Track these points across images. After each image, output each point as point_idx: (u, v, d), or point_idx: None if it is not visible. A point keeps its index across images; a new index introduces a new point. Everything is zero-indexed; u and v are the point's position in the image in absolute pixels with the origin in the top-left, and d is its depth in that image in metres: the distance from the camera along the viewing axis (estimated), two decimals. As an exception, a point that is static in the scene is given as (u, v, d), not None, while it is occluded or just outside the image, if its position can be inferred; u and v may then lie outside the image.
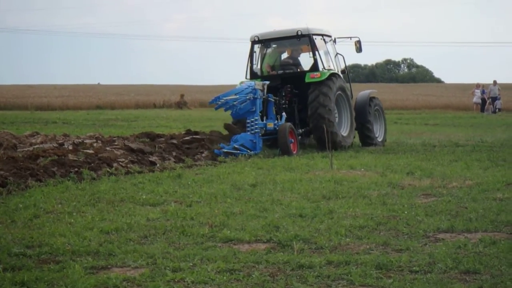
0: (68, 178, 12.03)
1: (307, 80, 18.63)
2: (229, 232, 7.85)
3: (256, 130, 17.16)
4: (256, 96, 17.42)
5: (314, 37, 19.15)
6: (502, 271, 6.20)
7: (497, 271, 6.21)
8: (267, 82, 18.29)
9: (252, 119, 17.26)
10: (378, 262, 6.47)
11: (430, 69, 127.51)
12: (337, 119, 18.84)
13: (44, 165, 12.46)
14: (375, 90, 21.96)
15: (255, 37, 19.47)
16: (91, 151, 14.25)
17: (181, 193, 10.75)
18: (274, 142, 17.67)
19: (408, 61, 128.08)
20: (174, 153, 15.55)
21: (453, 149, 18.40)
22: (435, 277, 6.09)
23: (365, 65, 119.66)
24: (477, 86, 47.50)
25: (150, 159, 14.60)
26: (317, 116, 18.21)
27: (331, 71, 19.06)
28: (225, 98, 17.34)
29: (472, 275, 6.15)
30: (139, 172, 13.33)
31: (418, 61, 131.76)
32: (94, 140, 16.49)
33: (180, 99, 51.72)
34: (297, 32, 19.11)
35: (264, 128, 17.51)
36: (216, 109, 18.27)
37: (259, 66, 19.62)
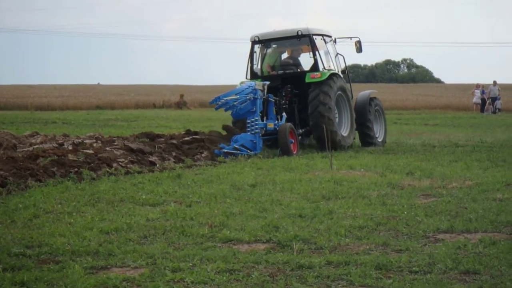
0: (68, 178, 12.03)
1: (307, 80, 18.63)
2: (228, 232, 7.85)
3: (257, 130, 17.16)
4: (256, 96, 17.43)
5: (314, 37, 19.16)
6: (502, 272, 6.20)
7: (497, 272, 6.20)
8: (267, 82, 18.30)
9: (252, 119, 17.27)
10: (377, 262, 6.47)
11: (430, 69, 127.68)
12: (337, 119, 18.84)
13: (44, 165, 12.46)
14: (375, 91, 21.96)
15: (255, 37, 19.48)
16: (91, 151, 14.25)
17: (180, 193, 10.76)
18: (274, 142, 17.68)
19: (408, 61, 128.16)
20: (173, 153, 15.55)
21: (453, 149, 18.40)
22: (435, 277, 6.09)
23: (365, 65, 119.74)
24: (477, 86, 47.53)
25: (149, 159, 14.60)
26: (317, 114, 18.22)
27: (332, 71, 19.06)
28: (225, 98, 17.35)
29: (472, 276, 6.15)
30: (139, 172, 13.34)
31: (418, 61, 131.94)
32: (94, 140, 16.49)
33: (180, 99, 51.75)
34: (297, 32, 19.11)
35: (264, 128, 17.52)
36: (217, 109, 18.28)
37: (259, 66, 19.62)
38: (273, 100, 18.32)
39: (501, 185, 11.16)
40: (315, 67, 18.88)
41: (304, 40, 19.19)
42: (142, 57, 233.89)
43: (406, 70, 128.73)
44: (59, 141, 16.16)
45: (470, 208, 9.17)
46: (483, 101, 46.19)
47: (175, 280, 6.09)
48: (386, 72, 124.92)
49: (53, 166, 12.46)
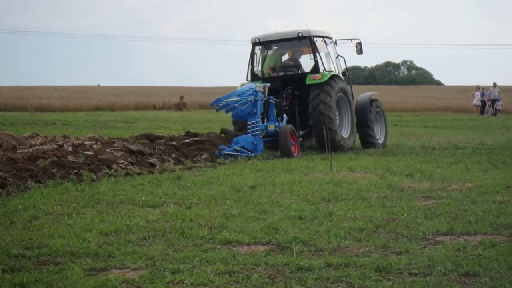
0: (68, 179, 12.03)
1: (308, 82, 18.65)
2: (228, 234, 7.85)
3: (257, 132, 17.18)
4: (257, 98, 17.45)
5: (315, 39, 19.17)
6: (501, 274, 6.20)
7: (496, 274, 6.20)
8: (268, 84, 18.31)
9: (253, 121, 17.28)
10: (377, 264, 6.47)
11: (429, 71, 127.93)
12: (337, 120, 18.85)
13: (43, 166, 12.45)
14: (376, 92, 21.99)
15: (256, 39, 19.49)
16: (90, 153, 14.25)
17: (180, 195, 10.75)
18: (275, 144, 17.69)
19: (408, 63, 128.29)
20: (173, 155, 15.55)
21: (452, 151, 18.40)
22: (435, 279, 6.08)
23: (365, 67, 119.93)
24: (477, 88, 47.54)
25: (149, 160, 14.60)
26: (318, 113, 18.24)
27: (332, 73, 19.07)
28: (226, 100, 17.36)
29: (472, 278, 6.14)
30: (139, 174, 13.34)
31: (418, 63, 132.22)
32: (94, 142, 16.49)
33: (180, 100, 51.78)
34: (298, 34, 19.12)
35: (265, 130, 17.54)
36: (217, 110, 18.29)
37: (260, 68, 19.63)
38: (274, 102, 18.33)
39: (501, 187, 11.15)
40: (315, 69, 18.89)
41: (304, 41, 19.20)
42: (142, 58, 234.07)
43: (406, 72, 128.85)
44: (59, 143, 16.16)
45: (470, 210, 9.17)
46: (483, 103, 46.20)
47: (175, 282, 6.09)
48: (386, 74, 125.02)
49: (53, 168, 12.46)
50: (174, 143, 16.75)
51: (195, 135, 18.12)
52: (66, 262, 6.68)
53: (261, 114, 17.63)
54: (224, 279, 6.14)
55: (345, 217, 8.84)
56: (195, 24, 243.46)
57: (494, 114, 44.87)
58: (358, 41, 20.09)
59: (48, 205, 9.68)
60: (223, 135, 18.23)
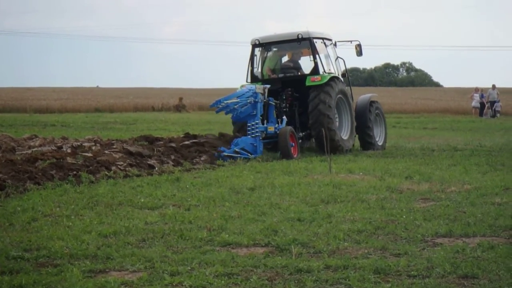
0: (67, 181, 12.03)
1: (307, 83, 18.66)
2: (227, 236, 7.84)
3: (257, 134, 17.19)
4: (257, 100, 17.46)
5: (314, 40, 19.18)
6: (500, 276, 6.20)
7: (495, 276, 6.20)
8: (268, 86, 18.31)
9: (253, 123, 17.29)
10: (376, 266, 6.47)
11: (429, 73, 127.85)
12: (337, 122, 18.85)
13: (42, 168, 12.45)
14: (376, 94, 22.00)
15: (256, 41, 19.49)
16: (89, 154, 14.24)
17: (179, 197, 10.75)
18: (274, 146, 17.71)
19: (407, 65, 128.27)
20: (172, 157, 15.55)
21: (451, 153, 18.40)
22: (433, 281, 6.08)
23: (364, 69, 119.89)
24: (476, 90, 47.55)
25: (148, 162, 14.60)
26: (317, 112, 18.26)
27: (332, 75, 19.09)
28: (226, 102, 17.36)
29: (470, 280, 6.14)
30: (138, 176, 13.33)
31: (417, 65, 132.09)
32: (93, 143, 16.48)
33: (179, 102, 51.78)
34: (297, 35, 19.13)
35: (264, 132, 17.55)
36: (217, 112, 18.29)
37: (259, 70, 19.64)
38: (274, 104, 18.34)
39: (500, 189, 11.15)
40: (315, 71, 18.90)
41: (304, 43, 19.21)
42: (141, 60, 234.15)
43: (405, 74, 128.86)
44: (58, 144, 16.15)
45: (468, 212, 9.17)
46: (482, 105, 46.22)
47: (174, 284, 6.09)
48: (385, 76, 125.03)
49: (52, 169, 12.46)
50: (173, 144, 16.75)
51: (194, 136, 18.12)
52: (64, 264, 6.68)
53: (261, 116, 17.64)
54: (223, 281, 6.14)
55: (344, 219, 8.84)
56: (195, 25, 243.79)
57: (493, 116, 44.90)
58: (357, 42, 20.11)
59: (47, 207, 9.68)
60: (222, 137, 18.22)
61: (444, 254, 6.95)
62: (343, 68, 20.30)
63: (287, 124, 18.21)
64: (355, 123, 19.71)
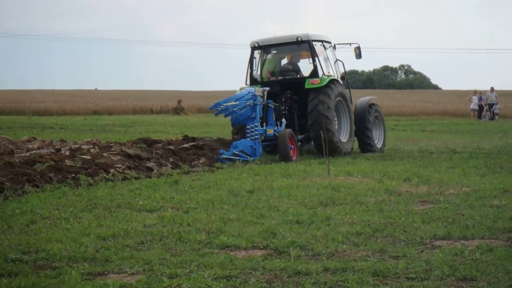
0: (65, 183, 12.02)
1: (306, 86, 18.67)
2: (226, 238, 7.84)
3: (256, 136, 17.21)
4: (256, 102, 17.47)
5: (313, 43, 19.20)
6: (499, 278, 6.20)
7: (494, 278, 6.20)
8: (267, 88, 18.33)
9: (252, 125, 17.31)
10: (375, 269, 6.47)
11: (427, 75, 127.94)
12: (336, 124, 18.86)
13: (41, 170, 12.45)
14: (375, 97, 22.02)
15: (255, 43, 19.51)
16: (88, 157, 14.24)
17: (178, 199, 10.75)
18: (273, 148, 17.72)
19: (406, 67, 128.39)
20: (171, 159, 15.55)
21: (450, 155, 18.41)
22: (432, 284, 6.08)
23: (363, 71, 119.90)
24: (474, 92, 47.60)
25: (147, 165, 14.59)
26: (316, 113, 18.27)
27: (331, 77, 19.10)
28: (225, 104, 17.38)
29: (469, 282, 6.14)
30: (136, 178, 13.33)
31: (416, 68, 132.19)
32: (91, 146, 16.48)
33: (178, 104, 51.79)
34: (297, 38, 19.15)
35: (264, 134, 17.56)
36: (216, 115, 18.31)
37: (259, 72, 19.66)
38: (273, 106, 18.36)
39: (498, 191, 11.16)
40: (314, 73, 18.91)
41: (303, 46, 19.23)
42: (140, 62, 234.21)
43: (403, 76, 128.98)
44: (56, 147, 16.15)
45: (467, 214, 9.17)
46: (481, 107, 46.26)
47: (172, 287, 6.08)
48: (384, 78, 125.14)
49: (50, 172, 12.45)
50: (171, 147, 16.76)
51: (193, 139, 18.14)
52: (63, 267, 6.67)
53: (260, 118, 17.65)
54: (221, 284, 6.14)
55: (343, 221, 8.84)
56: (194, 27, 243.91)
57: (492, 118, 44.94)
58: (357, 45, 20.12)
59: (45, 210, 9.67)
60: (222, 136, 18.26)
61: (443, 256, 6.95)
62: (342, 71, 20.32)
63: (286, 126, 18.22)
64: (354, 127, 19.71)
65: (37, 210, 9.61)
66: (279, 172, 14.32)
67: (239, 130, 18.17)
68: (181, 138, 18.61)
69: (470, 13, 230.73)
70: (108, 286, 6.06)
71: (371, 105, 20.47)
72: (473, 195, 10.78)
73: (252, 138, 17.20)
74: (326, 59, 19.74)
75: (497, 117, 45.23)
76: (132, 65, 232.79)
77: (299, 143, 18.66)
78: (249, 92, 17.59)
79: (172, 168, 14.77)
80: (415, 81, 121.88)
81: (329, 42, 20.14)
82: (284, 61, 20.20)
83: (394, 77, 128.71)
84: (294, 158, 17.18)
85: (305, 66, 19.55)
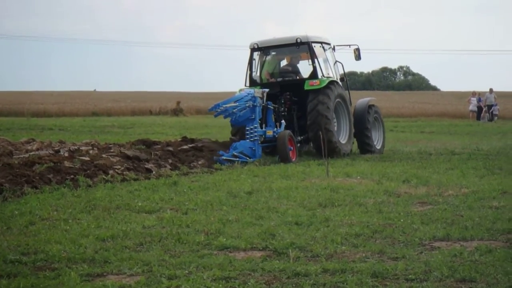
0: (64, 185, 12.02)
1: (306, 87, 18.68)
2: (225, 239, 7.84)
3: (256, 138, 17.22)
4: (255, 104, 17.49)
5: (313, 44, 19.21)
6: (498, 280, 6.20)
7: (493, 280, 6.20)
8: (267, 90, 18.34)
9: (252, 127, 17.32)
10: (374, 270, 6.47)
11: (426, 77, 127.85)
12: (335, 125, 18.87)
13: (40, 172, 12.44)
14: (374, 98, 22.03)
15: (255, 45, 19.52)
16: (87, 158, 14.23)
17: (177, 201, 10.75)
18: (273, 150, 17.73)
19: (404, 68, 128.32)
20: (170, 160, 15.55)
21: (449, 157, 18.41)
22: (431, 285, 6.09)
23: (361, 73, 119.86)
24: (473, 94, 47.63)
25: (146, 166, 14.59)
26: (315, 113, 18.29)
27: (330, 79, 19.11)
28: (224, 106, 17.39)
29: (468, 284, 6.14)
30: (135, 179, 13.33)
31: (414, 69, 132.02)
32: (90, 147, 16.48)
33: (176, 106, 51.80)
34: (296, 39, 19.16)
35: (263, 136, 17.57)
36: (216, 116, 18.33)
37: (258, 74, 19.67)
38: (272, 108, 18.37)
39: (497, 193, 11.16)
40: (314, 75, 18.92)
41: (303, 47, 19.23)
42: (139, 63, 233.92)
43: (402, 78, 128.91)
44: (55, 148, 16.15)
45: (466, 216, 9.17)
46: (480, 108, 46.29)
47: (171, 288, 6.09)
48: (383, 80, 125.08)
49: (49, 173, 12.45)
50: (170, 148, 16.76)
51: (192, 140, 18.15)
52: (62, 268, 6.67)
53: (259, 120, 17.66)
54: (220, 285, 6.14)
55: (342, 222, 8.84)
56: (193, 29, 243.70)
57: (491, 119, 44.95)
58: (356, 47, 20.13)
59: (44, 211, 9.67)
60: (222, 138, 18.27)
61: (442, 257, 6.95)
62: (341, 72, 20.33)
63: (286, 128, 18.23)
64: (353, 129, 19.71)
65: (36, 211, 9.61)
66: (278, 173, 14.32)
67: (238, 130, 18.20)
68: (180, 139, 18.61)
69: (469, 14, 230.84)
70: (107, 287, 6.07)
71: (370, 106, 20.48)
72: (472, 196, 10.79)
73: (252, 139, 17.21)
74: (326, 60, 19.75)
75: (496, 118, 45.25)
76: (131, 66, 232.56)
77: (299, 145, 18.66)
78: (248, 94, 17.60)
79: (171, 169, 14.77)
80: (414, 83, 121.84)
81: (329, 44, 20.15)
82: (284, 63, 20.21)
83: (393, 79, 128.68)
84: (293, 160, 17.19)
85: (304, 68, 19.56)
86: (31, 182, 11.76)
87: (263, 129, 17.75)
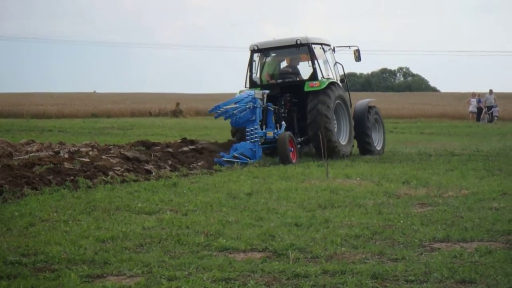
0: (64, 186, 12.02)
1: (306, 89, 18.69)
2: (224, 241, 7.84)
3: (256, 139, 17.23)
4: (255, 105, 17.50)
5: (313, 46, 19.21)
6: (498, 281, 6.20)
7: (493, 281, 6.21)
8: (267, 91, 18.35)
9: (252, 128, 17.33)
10: (373, 271, 6.47)
11: (426, 78, 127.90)
12: (335, 126, 18.87)
13: (39, 173, 12.45)
14: (374, 99, 22.03)
15: (255, 46, 19.52)
16: (86, 160, 14.24)
17: (176, 202, 10.75)
18: (273, 151, 17.74)
19: (404, 70, 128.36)
20: (169, 162, 15.56)
21: (448, 158, 18.41)
22: (431, 286, 6.09)
23: (361, 74, 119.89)
24: (473, 95, 47.64)
25: (145, 167, 14.60)
26: (316, 112, 18.30)
27: (330, 80, 19.11)
28: (225, 107, 17.40)
29: (468, 285, 6.15)
30: (135, 181, 13.33)
31: (414, 70, 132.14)
32: (90, 149, 16.48)
33: (176, 107, 51.82)
34: (296, 41, 19.16)
35: (263, 137, 17.58)
36: (216, 117, 18.33)
37: (258, 75, 19.67)
38: (272, 109, 18.38)
39: (497, 194, 11.16)
40: (314, 76, 18.92)
41: (303, 49, 19.23)
42: (139, 65, 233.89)
43: (402, 79, 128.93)
44: (55, 149, 16.15)
45: (466, 217, 9.18)
46: (479, 110, 46.30)
47: (171, 289, 6.09)
48: (382, 81, 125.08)
49: (49, 174, 12.45)
50: (170, 150, 16.76)
51: (191, 142, 18.16)
52: (62, 269, 6.67)
53: (259, 121, 17.67)
54: (220, 286, 6.14)
55: (342, 224, 8.84)
56: (193, 30, 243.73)
57: (490, 120, 44.95)
58: (356, 48, 20.12)
59: (44, 212, 9.68)
60: (221, 139, 18.29)
61: (442, 259, 6.96)
62: (341, 74, 20.34)
63: (286, 129, 18.24)
64: (353, 132, 19.71)
65: (36, 213, 9.61)
66: (278, 174, 14.32)
67: (237, 130, 18.26)
68: (179, 140, 18.62)
69: (469, 15, 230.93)
70: (107, 288, 6.07)
71: (370, 108, 20.48)
72: (472, 198, 10.79)
73: (252, 141, 17.22)
74: (326, 62, 19.75)
75: (496, 119, 45.25)
76: (131, 67, 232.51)
77: (299, 146, 18.67)
78: (249, 95, 17.62)
79: (170, 170, 14.77)
80: (414, 84, 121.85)
81: (329, 45, 20.15)
82: (284, 64, 20.22)
83: (393, 80, 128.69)
84: (294, 161, 17.19)
85: (304, 69, 19.56)
86: (31, 183, 11.76)
87: (264, 130, 17.76)
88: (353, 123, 19.71)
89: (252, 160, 16.69)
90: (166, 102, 58.83)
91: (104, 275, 6.56)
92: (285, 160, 16.90)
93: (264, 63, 19.79)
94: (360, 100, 21.29)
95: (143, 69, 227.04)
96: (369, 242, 7.84)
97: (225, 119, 17.82)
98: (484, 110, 45.94)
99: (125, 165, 14.28)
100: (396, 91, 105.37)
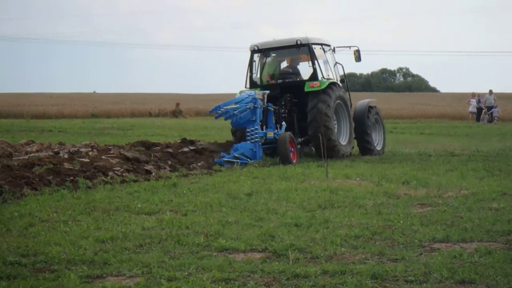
0: (64, 186, 12.02)
1: (306, 89, 18.69)
2: (224, 241, 7.84)
3: (256, 139, 17.23)
4: (256, 106, 17.50)
5: (313, 46, 19.21)
6: (497, 281, 6.20)
7: (492, 281, 6.20)
8: (267, 92, 18.35)
9: (252, 128, 17.33)
10: (373, 272, 6.47)
11: (425, 78, 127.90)
12: (336, 126, 18.87)
13: (39, 173, 12.45)
14: (374, 100, 22.03)
15: (255, 46, 19.52)
16: (86, 160, 14.24)
17: (176, 202, 10.75)
18: (273, 151, 17.74)
19: (404, 70, 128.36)
20: (169, 162, 15.56)
21: (448, 158, 18.41)
22: (431, 287, 6.09)
23: (361, 74, 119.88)
24: (473, 95, 47.63)
25: (145, 168, 14.60)
26: (316, 110, 18.30)
27: (331, 80, 19.11)
28: (225, 107, 17.41)
29: (468, 285, 6.15)
30: (135, 181, 13.34)
31: (414, 70, 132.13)
32: (90, 149, 16.49)
33: (176, 107, 51.83)
34: (296, 41, 19.16)
35: (264, 137, 17.59)
36: (217, 118, 18.34)
37: (258, 75, 19.67)
38: (273, 109, 18.38)
39: (497, 194, 11.16)
40: (314, 76, 18.92)
41: (303, 49, 19.23)
42: (138, 65, 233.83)
43: (402, 79, 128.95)
44: (55, 150, 16.15)
45: (466, 217, 9.17)
46: (479, 110, 46.28)
47: (171, 289, 6.09)
48: (382, 81, 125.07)
49: (49, 175, 12.45)
50: (170, 150, 16.77)
51: (191, 142, 18.16)
52: (62, 270, 6.67)
53: (260, 122, 17.68)
54: (220, 287, 6.14)
55: (341, 224, 8.84)
56: (192, 31, 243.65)
57: (490, 121, 44.94)
58: (356, 48, 20.12)
59: (44, 212, 9.68)
60: (220, 139, 18.30)
61: (442, 259, 6.95)
62: (341, 74, 20.34)
63: (286, 129, 18.24)
64: (353, 133, 19.71)
65: (36, 213, 9.61)
66: (278, 175, 14.32)
67: (235, 132, 18.29)
68: (179, 141, 18.62)
69: (468, 15, 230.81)
70: (107, 289, 6.07)
71: (370, 108, 20.48)
72: (471, 198, 10.79)
73: (253, 141, 17.23)
74: (326, 62, 19.75)
75: (496, 119, 45.24)
76: (131, 68, 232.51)
77: (299, 146, 18.67)
78: (249, 95, 17.62)
79: (170, 171, 14.77)
80: (414, 84, 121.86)
81: (329, 45, 20.15)
82: (284, 64, 20.22)
83: (393, 80, 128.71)
84: (294, 161, 17.20)
85: (304, 69, 19.56)
86: (30, 183, 11.76)
87: (264, 130, 17.76)
88: (353, 124, 19.71)
89: (252, 161, 16.69)
90: (166, 103, 58.84)
91: (104, 275, 6.56)
92: (286, 161, 16.91)
93: (264, 63, 19.79)
94: (360, 100, 21.29)
95: (143, 70, 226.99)
96: (369, 242, 7.84)
97: (226, 119, 17.83)
98: (484, 111, 45.93)
99: (125, 166, 14.29)
100: (396, 92, 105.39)
